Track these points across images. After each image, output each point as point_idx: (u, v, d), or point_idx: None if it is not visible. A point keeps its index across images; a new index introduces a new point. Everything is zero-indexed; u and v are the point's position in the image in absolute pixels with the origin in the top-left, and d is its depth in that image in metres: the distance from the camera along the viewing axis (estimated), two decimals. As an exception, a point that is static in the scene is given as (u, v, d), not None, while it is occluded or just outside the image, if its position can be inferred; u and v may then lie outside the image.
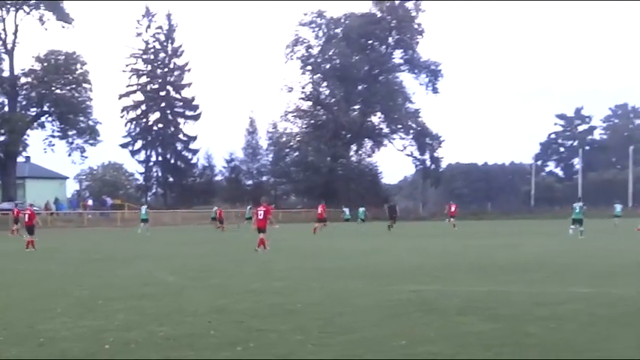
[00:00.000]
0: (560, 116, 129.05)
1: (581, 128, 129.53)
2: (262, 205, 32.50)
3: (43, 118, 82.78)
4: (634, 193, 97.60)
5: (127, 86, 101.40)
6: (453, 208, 62.20)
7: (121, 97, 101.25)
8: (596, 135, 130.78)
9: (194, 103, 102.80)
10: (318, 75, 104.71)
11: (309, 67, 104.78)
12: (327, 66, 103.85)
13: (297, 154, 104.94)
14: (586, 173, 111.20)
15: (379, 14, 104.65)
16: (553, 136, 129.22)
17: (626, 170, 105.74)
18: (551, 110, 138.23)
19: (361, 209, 70.47)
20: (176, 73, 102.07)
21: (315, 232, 49.32)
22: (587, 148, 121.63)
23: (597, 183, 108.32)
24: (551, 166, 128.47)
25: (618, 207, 64.57)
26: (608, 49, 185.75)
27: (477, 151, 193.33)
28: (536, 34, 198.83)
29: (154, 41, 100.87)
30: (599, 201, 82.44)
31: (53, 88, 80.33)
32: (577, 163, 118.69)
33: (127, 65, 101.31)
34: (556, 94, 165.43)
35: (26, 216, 36.47)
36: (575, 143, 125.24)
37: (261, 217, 31.20)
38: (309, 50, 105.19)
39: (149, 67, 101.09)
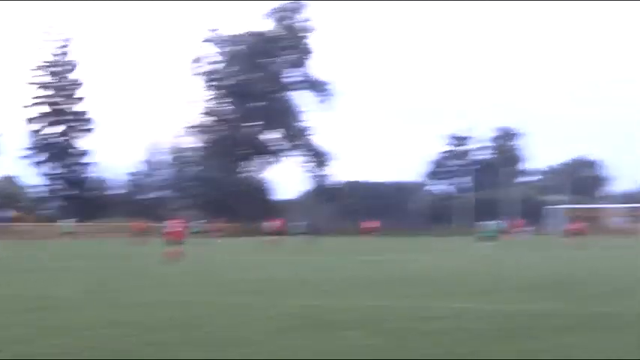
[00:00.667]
0: (451, 136, 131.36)
1: (470, 147, 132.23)
2: (175, 220, 32.72)
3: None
4: (517, 211, 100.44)
5: (25, 99, 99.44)
6: (371, 225, 62.05)
7: (19, 109, 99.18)
8: (484, 155, 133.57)
9: (90, 116, 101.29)
10: (218, 91, 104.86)
11: (209, 83, 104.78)
12: (227, 82, 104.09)
13: (196, 168, 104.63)
14: (475, 192, 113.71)
15: (275, 33, 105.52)
16: (444, 155, 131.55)
17: (510, 189, 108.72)
18: (442, 129, 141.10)
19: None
20: (73, 86, 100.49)
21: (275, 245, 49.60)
22: (476, 167, 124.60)
23: (485, 201, 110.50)
24: (442, 184, 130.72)
25: (494, 224, 67.14)
26: (496, 71, 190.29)
27: (370, 168, 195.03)
28: (430, 53, 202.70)
29: (51, 54, 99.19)
30: (485, 219, 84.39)
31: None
32: (466, 181, 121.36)
33: (24, 77, 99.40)
34: (447, 114, 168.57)
35: None
36: (465, 162, 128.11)
37: (174, 230, 31.40)
38: (210, 66, 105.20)
39: (46, 80, 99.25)
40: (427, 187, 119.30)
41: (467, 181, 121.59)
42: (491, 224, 46.11)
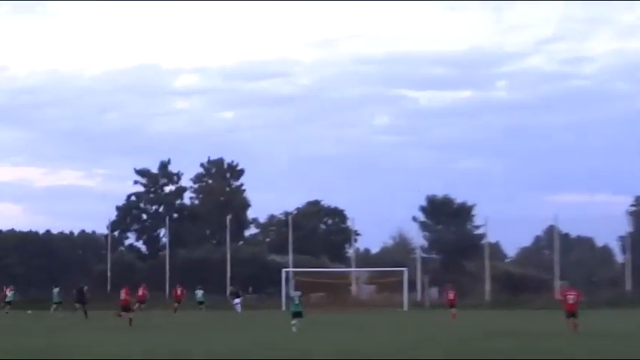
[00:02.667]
0: (142, 172, 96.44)
1: (168, 189, 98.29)
2: None
3: None
4: (232, 276, 76.64)
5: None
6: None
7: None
8: (187, 198, 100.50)
9: None
10: None
11: None
12: None
13: None
14: (174, 249, 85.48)
15: None
16: (133, 198, 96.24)
17: (223, 246, 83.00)
18: (130, 162, 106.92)
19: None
20: None
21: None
22: (175, 215, 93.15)
23: (188, 262, 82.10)
24: (131, 237, 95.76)
25: (199, 293, 62.43)
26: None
27: (36, 215, 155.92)
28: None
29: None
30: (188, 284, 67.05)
31: None
32: (163, 235, 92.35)
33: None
34: (137, 144, 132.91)
35: None
36: (161, 209, 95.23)
37: None
38: None
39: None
40: (113, 242, 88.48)
41: (163, 234, 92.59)
42: (296, 296, 36.05)
